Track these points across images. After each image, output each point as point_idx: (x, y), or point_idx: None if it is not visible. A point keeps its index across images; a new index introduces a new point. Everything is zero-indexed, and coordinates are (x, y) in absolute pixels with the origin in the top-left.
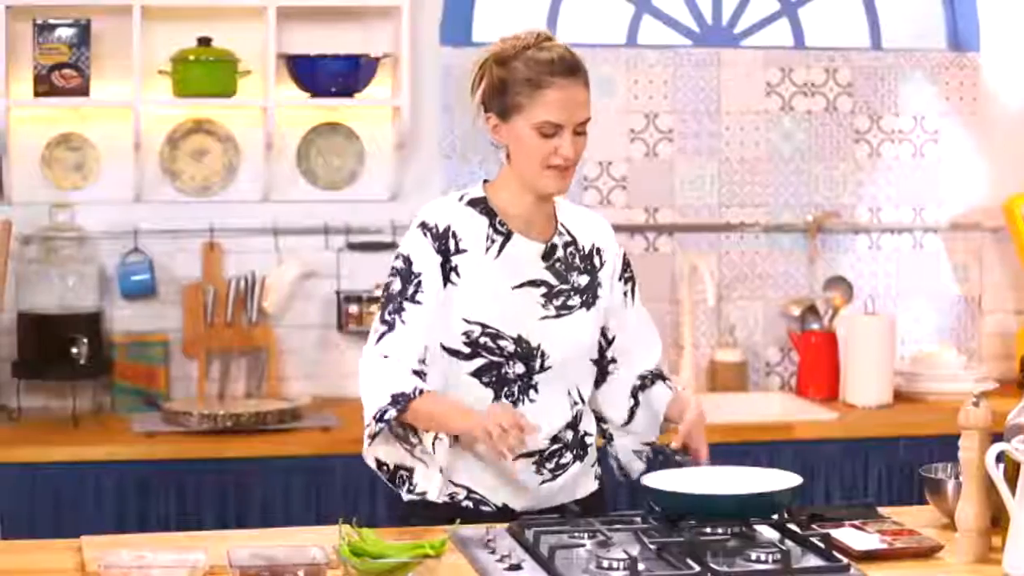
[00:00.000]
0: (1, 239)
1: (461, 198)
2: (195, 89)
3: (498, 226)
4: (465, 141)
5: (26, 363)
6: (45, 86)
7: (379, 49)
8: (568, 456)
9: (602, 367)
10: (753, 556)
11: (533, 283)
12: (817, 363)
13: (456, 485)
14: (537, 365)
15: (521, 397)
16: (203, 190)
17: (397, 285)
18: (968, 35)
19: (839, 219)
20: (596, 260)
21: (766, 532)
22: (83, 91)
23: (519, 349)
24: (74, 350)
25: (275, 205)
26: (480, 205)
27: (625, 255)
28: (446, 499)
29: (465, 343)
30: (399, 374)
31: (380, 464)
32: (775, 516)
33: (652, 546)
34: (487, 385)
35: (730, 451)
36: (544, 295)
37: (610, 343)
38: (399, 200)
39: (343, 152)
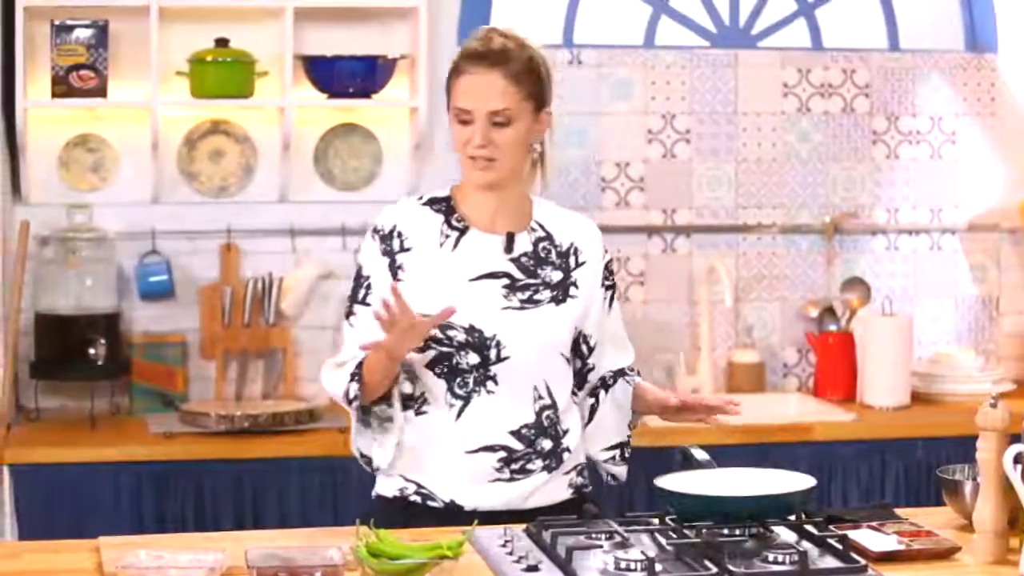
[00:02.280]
0: (19, 240)
1: (420, 197)
2: (212, 90)
3: (454, 222)
4: None
5: (44, 364)
6: (63, 87)
7: (396, 50)
8: (537, 464)
9: (582, 374)
10: (770, 557)
11: (493, 275)
12: (834, 364)
13: (407, 480)
14: (493, 355)
15: (477, 388)
16: (220, 191)
17: (351, 291)
18: (986, 36)
19: (856, 220)
20: (572, 259)
21: (783, 533)
22: (101, 92)
23: (470, 339)
24: (92, 351)
25: (292, 206)
26: (440, 203)
27: (609, 262)
28: (396, 493)
29: None
30: (348, 363)
31: (362, 455)
32: (792, 517)
33: (669, 547)
34: (439, 376)
35: (747, 452)
36: (506, 287)
37: (592, 350)
38: None
39: (360, 153)
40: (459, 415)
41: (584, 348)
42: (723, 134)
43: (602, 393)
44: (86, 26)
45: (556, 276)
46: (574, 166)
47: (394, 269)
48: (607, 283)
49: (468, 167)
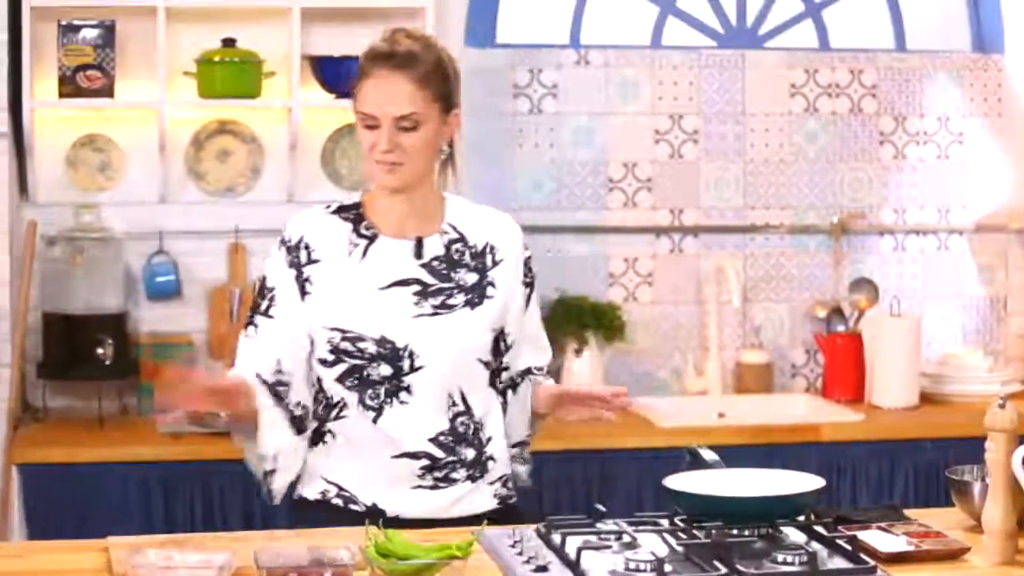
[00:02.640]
0: (26, 240)
1: (329, 206)
2: (220, 90)
3: (362, 230)
4: (489, 141)
5: (52, 364)
6: (70, 87)
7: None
8: (461, 473)
9: (496, 373)
10: (779, 558)
11: (404, 282)
12: (843, 365)
13: (328, 482)
14: (406, 366)
15: (389, 399)
16: (228, 191)
17: (253, 302)
18: (993, 37)
19: (864, 221)
20: (488, 259)
21: (792, 534)
22: (108, 92)
23: (382, 350)
24: (99, 351)
25: (300, 206)
26: (348, 212)
27: (528, 259)
28: (318, 496)
29: (329, 351)
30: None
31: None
32: (801, 518)
33: (679, 548)
34: (350, 389)
35: (756, 453)
36: (418, 293)
37: (508, 348)
38: None
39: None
40: (374, 423)
41: (501, 346)
42: (730, 134)
43: (510, 393)
44: (93, 26)
45: (471, 278)
46: (581, 166)
47: (301, 282)
48: (526, 280)
49: (375, 171)
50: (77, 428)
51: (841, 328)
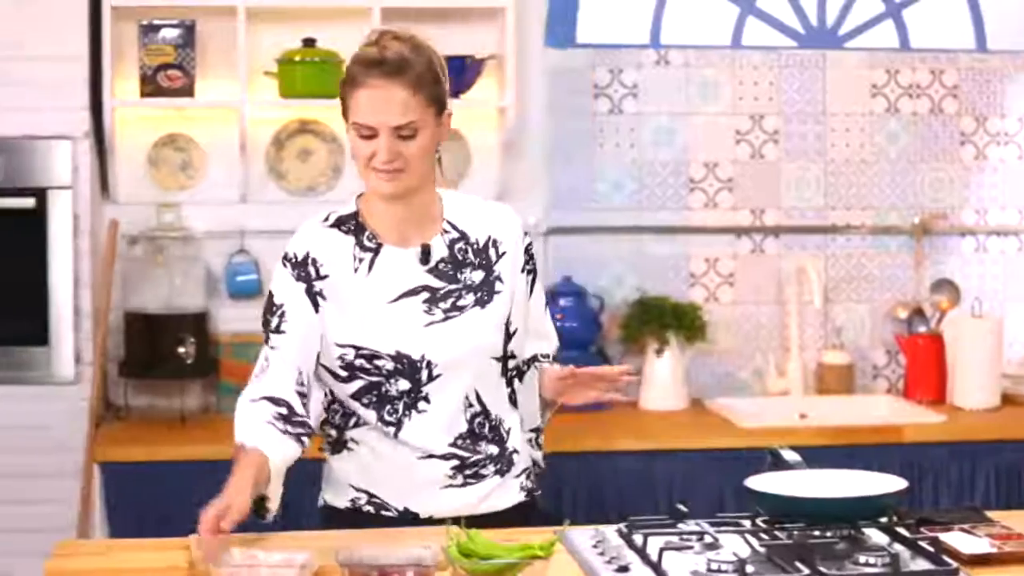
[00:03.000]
0: (108, 239)
1: (327, 218)
2: (300, 90)
3: (365, 242)
4: (570, 142)
5: (133, 362)
6: (151, 86)
7: (484, 50)
8: (489, 468)
9: (505, 363)
10: (862, 560)
11: (413, 292)
12: (924, 366)
13: (357, 490)
14: (424, 376)
15: (407, 412)
16: (309, 191)
17: (264, 320)
18: None
19: (945, 221)
20: (492, 252)
21: (874, 536)
22: (188, 92)
23: (399, 366)
24: (181, 350)
25: None
26: (348, 223)
27: (529, 245)
28: (348, 504)
29: (341, 367)
30: (246, 425)
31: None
32: (883, 519)
33: (760, 549)
34: (367, 406)
35: (837, 454)
36: (427, 300)
37: (512, 336)
38: (505, 201)
39: (449, 153)
40: (396, 436)
41: (507, 336)
42: (811, 135)
43: (516, 382)
44: (174, 26)
45: (477, 276)
46: (663, 167)
47: (313, 295)
48: (528, 267)
49: (373, 178)
50: (158, 427)
51: (922, 329)
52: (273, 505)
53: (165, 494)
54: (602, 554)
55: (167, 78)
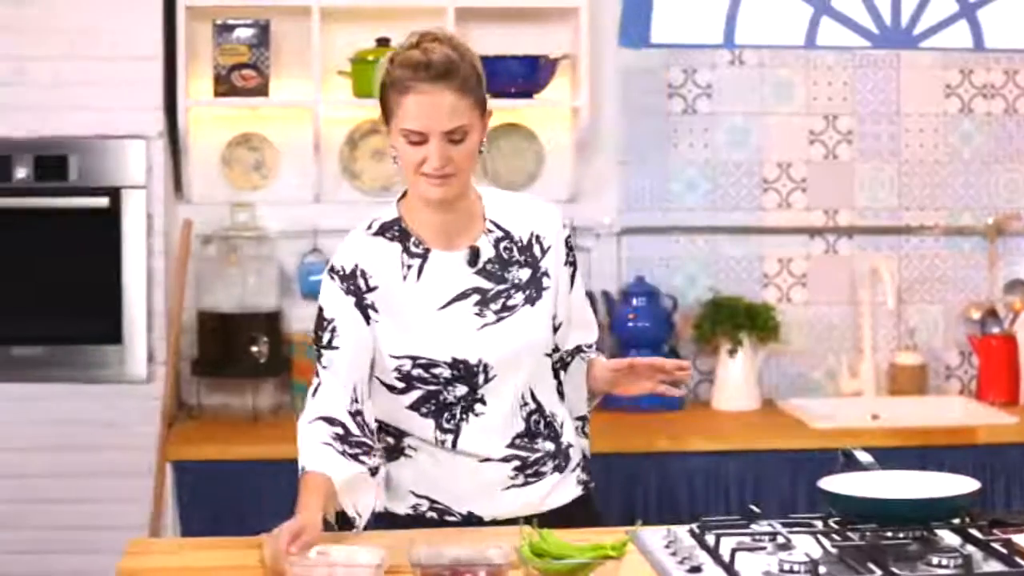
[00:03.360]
0: (182, 239)
1: (370, 226)
2: (374, 90)
3: (412, 248)
4: (644, 142)
5: (206, 361)
6: (225, 86)
7: (558, 50)
8: (548, 465)
9: (550, 356)
10: (934, 561)
11: (463, 296)
12: (997, 367)
13: (418, 496)
14: (481, 380)
15: (464, 416)
16: (383, 190)
17: (315, 335)
18: None
19: (1019, 222)
20: (537, 249)
21: (947, 537)
22: (262, 91)
23: (456, 372)
24: (254, 349)
25: None
26: (392, 229)
27: (568, 238)
28: (409, 511)
29: (398, 378)
30: (308, 448)
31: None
32: (956, 521)
33: (833, 550)
34: (426, 416)
35: (910, 455)
36: (478, 303)
37: (557, 328)
38: (578, 201)
39: (523, 153)
40: (454, 446)
41: (553, 330)
42: (885, 135)
43: (562, 373)
44: (248, 25)
45: (524, 274)
46: (736, 167)
47: (364, 308)
48: (568, 259)
49: (423, 184)
50: (231, 426)
51: (996, 330)
52: (356, 515)
53: (237, 493)
54: (674, 554)
55: (241, 78)
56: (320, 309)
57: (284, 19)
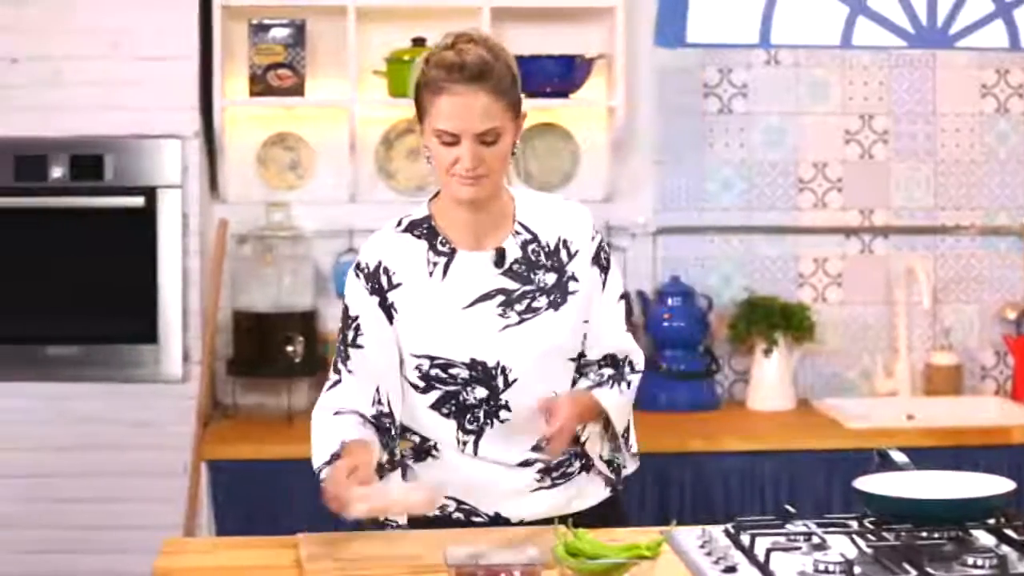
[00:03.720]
0: (217, 238)
1: (399, 223)
2: (409, 89)
3: (439, 246)
4: (679, 141)
5: (241, 361)
6: (260, 86)
7: (593, 50)
8: (575, 466)
9: (578, 363)
10: (969, 561)
11: (487, 296)
12: None
13: (446, 497)
14: (501, 383)
15: (489, 420)
16: (418, 190)
17: (341, 333)
18: None
19: None
20: (564, 254)
21: (982, 537)
22: (298, 91)
23: (474, 373)
24: (289, 348)
25: None
26: (420, 227)
27: (602, 242)
28: (436, 512)
29: (419, 377)
30: (336, 432)
31: None
32: (991, 521)
33: (868, 550)
34: (447, 416)
35: (945, 455)
36: (502, 304)
37: (584, 336)
38: (613, 201)
39: (558, 152)
40: (475, 450)
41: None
42: (921, 135)
43: (581, 381)
44: (284, 25)
45: (550, 279)
46: (772, 167)
47: (386, 307)
48: (599, 262)
49: (454, 185)
50: (266, 425)
51: None
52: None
53: (272, 493)
54: (709, 554)
55: (277, 77)
56: (346, 306)
57: (320, 19)
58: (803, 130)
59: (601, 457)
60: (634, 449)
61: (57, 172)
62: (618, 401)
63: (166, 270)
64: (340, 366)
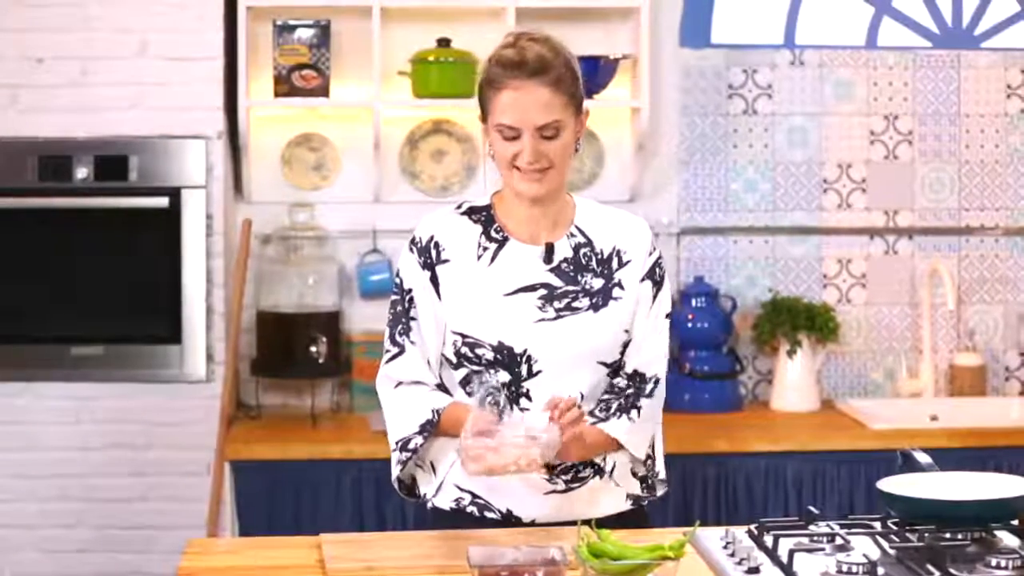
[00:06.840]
0: (241, 239)
1: (460, 206)
2: (434, 90)
3: (493, 233)
4: (704, 142)
5: (265, 361)
6: (285, 86)
7: (618, 50)
8: (588, 471)
9: (615, 371)
10: (993, 562)
11: (530, 288)
12: None
13: (462, 490)
14: (524, 371)
15: (509, 406)
16: (442, 191)
17: (397, 305)
18: None
19: None
20: (615, 263)
21: (1006, 538)
22: (323, 92)
23: (499, 356)
24: (313, 349)
25: None
26: (479, 213)
27: (659, 258)
28: (452, 505)
29: (454, 353)
30: (423, 401)
31: (400, 482)
32: (1015, 522)
33: (891, 551)
34: (471, 395)
35: (969, 456)
36: (543, 297)
37: (626, 345)
38: (638, 202)
39: (582, 153)
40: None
41: (623, 345)
42: (945, 135)
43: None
44: (308, 26)
45: (597, 283)
46: (796, 167)
47: (435, 283)
48: (652, 277)
49: (516, 179)
50: (289, 425)
51: None
52: None
53: (295, 493)
54: (732, 555)
55: (301, 78)
56: (400, 281)
57: (344, 19)
58: (827, 131)
59: (635, 474)
60: (661, 476)
61: (82, 173)
62: (628, 428)
63: (190, 270)
64: (400, 338)
